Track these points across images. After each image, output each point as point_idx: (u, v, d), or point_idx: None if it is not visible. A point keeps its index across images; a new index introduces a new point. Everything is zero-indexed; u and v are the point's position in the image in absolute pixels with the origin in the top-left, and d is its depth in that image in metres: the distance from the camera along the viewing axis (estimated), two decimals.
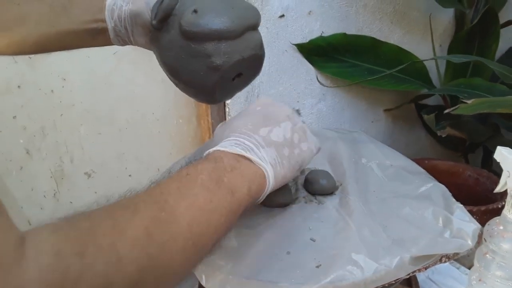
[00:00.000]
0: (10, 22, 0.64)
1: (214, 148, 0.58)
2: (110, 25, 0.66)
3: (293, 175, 0.62)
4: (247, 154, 0.56)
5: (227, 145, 0.58)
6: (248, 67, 0.67)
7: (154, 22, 0.63)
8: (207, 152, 0.58)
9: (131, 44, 0.71)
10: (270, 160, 0.58)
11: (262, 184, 0.57)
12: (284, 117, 0.64)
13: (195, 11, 0.62)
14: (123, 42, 0.70)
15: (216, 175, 0.53)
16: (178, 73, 0.67)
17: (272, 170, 0.58)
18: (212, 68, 0.63)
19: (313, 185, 0.73)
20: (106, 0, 0.65)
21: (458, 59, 1.27)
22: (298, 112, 0.68)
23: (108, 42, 0.69)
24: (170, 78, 0.71)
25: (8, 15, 0.64)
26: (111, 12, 0.65)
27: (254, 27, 0.66)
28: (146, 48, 0.71)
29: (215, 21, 0.61)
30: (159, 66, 0.71)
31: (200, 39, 0.62)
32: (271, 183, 0.58)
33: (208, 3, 0.63)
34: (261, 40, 0.68)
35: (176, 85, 0.71)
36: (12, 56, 1.13)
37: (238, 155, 0.56)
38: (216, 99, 0.69)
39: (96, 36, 0.67)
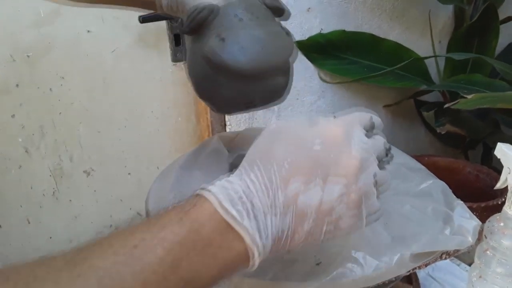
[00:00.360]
0: None
1: (209, 196, 0.42)
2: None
3: (304, 247, 0.45)
4: (240, 229, 0.40)
5: (226, 193, 0.42)
6: (262, 102, 0.65)
7: (186, 28, 0.62)
8: (196, 192, 0.44)
9: (179, 14, 0.67)
10: (276, 231, 0.42)
11: (240, 268, 0.43)
12: (345, 175, 0.43)
13: (222, 39, 0.59)
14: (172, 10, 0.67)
15: (174, 255, 0.38)
16: (194, 82, 0.65)
17: (269, 246, 0.42)
18: (222, 97, 0.62)
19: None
20: None
21: (459, 56, 1.27)
22: (385, 157, 0.49)
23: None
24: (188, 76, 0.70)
25: None
26: None
27: (279, 71, 0.63)
28: None
29: (236, 59, 0.58)
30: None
31: (217, 69, 0.60)
32: (255, 265, 0.43)
33: (242, 33, 0.59)
34: (284, 83, 0.65)
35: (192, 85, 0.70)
36: (11, 58, 1.12)
37: (229, 223, 0.40)
38: (227, 114, 0.69)
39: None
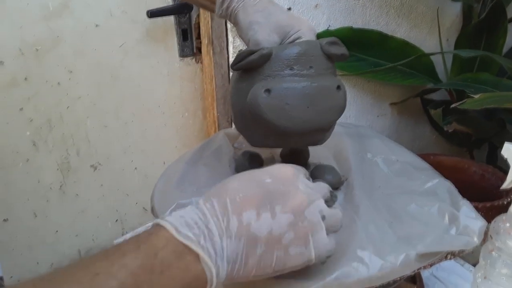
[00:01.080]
0: None
1: (164, 224, 0.44)
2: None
3: (260, 276, 0.47)
4: (197, 249, 0.42)
5: (183, 220, 0.44)
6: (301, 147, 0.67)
7: (233, 66, 0.61)
8: (152, 223, 0.46)
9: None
10: (231, 255, 0.44)
11: None
12: (293, 206, 0.46)
13: (268, 91, 0.56)
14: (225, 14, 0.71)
15: (135, 279, 0.40)
16: (233, 114, 0.66)
17: (225, 269, 0.44)
18: (260, 140, 0.63)
19: (318, 180, 0.72)
20: None
21: (466, 53, 1.26)
22: (330, 199, 0.51)
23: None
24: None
25: None
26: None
27: (323, 130, 0.62)
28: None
29: (279, 117, 0.56)
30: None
31: (259, 118, 0.58)
32: (213, 286, 0.44)
33: (289, 87, 0.57)
34: (323, 140, 0.65)
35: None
36: (20, 51, 1.13)
37: (185, 245, 0.42)
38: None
39: None
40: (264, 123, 0.57)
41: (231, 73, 1.27)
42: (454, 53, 1.44)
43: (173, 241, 0.42)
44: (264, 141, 0.63)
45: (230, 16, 0.70)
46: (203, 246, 0.43)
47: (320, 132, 0.62)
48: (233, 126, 1.34)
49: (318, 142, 0.64)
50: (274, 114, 0.56)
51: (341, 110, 0.61)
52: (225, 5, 0.69)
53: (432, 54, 1.41)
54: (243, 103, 0.60)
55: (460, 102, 1.06)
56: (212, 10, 0.73)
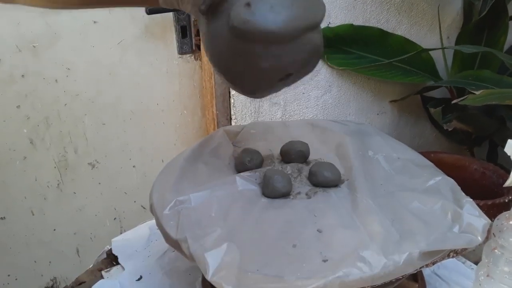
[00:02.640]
0: None
1: None
2: None
3: None
4: None
5: None
6: (300, 68, 0.59)
7: (202, 6, 0.56)
8: None
9: (178, 7, 0.62)
10: None
11: None
12: None
13: (248, 4, 0.53)
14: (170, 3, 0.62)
15: None
16: (220, 66, 0.59)
17: None
18: (258, 70, 0.56)
19: (317, 177, 0.72)
20: None
21: (468, 49, 1.26)
22: None
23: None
24: (211, 63, 0.64)
25: None
26: None
27: (314, 27, 0.57)
28: (193, 16, 0.64)
29: (268, 20, 0.53)
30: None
31: (249, 39, 0.54)
32: None
33: None
34: (320, 41, 0.59)
35: (216, 72, 0.64)
36: (17, 48, 1.12)
37: None
38: (257, 96, 0.61)
39: None
40: (255, 36, 0.54)
41: None
42: (456, 48, 1.43)
43: None
44: (263, 76, 0.58)
45: None
46: None
47: (312, 32, 0.57)
48: (233, 123, 1.34)
49: (318, 47, 0.59)
50: (262, 20, 0.53)
51: (323, 5, 0.58)
52: None
53: (434, 49, 1.40)
54: (227, 39, 0.56)
55: (462, 98, 1.05)
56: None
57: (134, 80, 1.30)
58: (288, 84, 0.61)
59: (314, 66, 0.60)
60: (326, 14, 0.61)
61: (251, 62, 0.55)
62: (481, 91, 1.04)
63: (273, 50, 0.54)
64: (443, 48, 1.42)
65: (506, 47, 1.45)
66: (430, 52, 1.42)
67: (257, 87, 0.59)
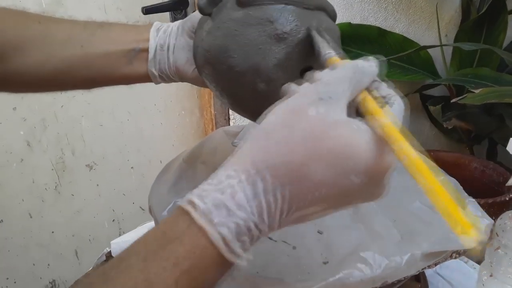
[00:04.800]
0: (28, 42, 0.55)
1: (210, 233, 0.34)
2: (153, 41, 0.56)
3: None
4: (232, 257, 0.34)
5: (234, 227, 0.34)
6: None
7: (202, 3, 0.51)
8: (177, 205, 0.36)
9: (170, 69, 0.58)
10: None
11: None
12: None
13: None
14: (160, 70, 0.58)
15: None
16: (226, 52, 0.49)
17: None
18: (275, 38, 0.47)
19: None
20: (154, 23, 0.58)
21: (468, 46, 1.25)
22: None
23: (142, 70, 0.58)
24: (214, 90, 0.55)
25: (26, 33, 0.56)
26: (157, 29, 0.57)
27: (325, 9, 0.52)
28: (188, 80, 0.60)
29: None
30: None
31: (261, 2, 0.48)
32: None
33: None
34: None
35: (221, 92, 0.54)
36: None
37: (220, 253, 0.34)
38: (276, 92, 0.43)
39: (132, 59, 0.57)
40: (263, 2, 0.49)
41: None
42: (455, 46, 1.43)
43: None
44: (271, 50, 0.48)
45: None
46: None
47: (325, 14, 0.52)
48: (231, 123, 1.33)
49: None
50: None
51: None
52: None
53: (432, 46, 1.40)
54: (229, 21, 0.50)
55: (461, 97, 1.05)
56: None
57: None
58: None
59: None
60: None
61: (266, 29, 0.48)
62: (480, 89, 1.04)
63: (290, 10, 0.48)
64: (441, 46, 1.42)
65: (505, 44, 1.44)
66: (428, 50, 1.42)
67: (273, 72, 0.48)
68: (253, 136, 0.36)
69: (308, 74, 0.39)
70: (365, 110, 0.37)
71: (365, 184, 0.36)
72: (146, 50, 0.57)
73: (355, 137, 0.34)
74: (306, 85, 0.37)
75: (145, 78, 0.59)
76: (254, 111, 0.49)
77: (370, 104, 0.36)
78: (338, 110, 0.35)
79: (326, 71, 0.38)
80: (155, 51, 0.57)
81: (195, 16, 0.56)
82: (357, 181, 0.35)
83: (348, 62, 0.40)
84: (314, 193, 0.34)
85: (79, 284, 0.35)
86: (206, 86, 0.57)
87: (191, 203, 0.35)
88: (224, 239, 0.33)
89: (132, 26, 0.59)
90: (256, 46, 0.47)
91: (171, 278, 0.33)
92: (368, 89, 0.38)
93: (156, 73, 0.58)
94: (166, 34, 0.57)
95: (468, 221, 0.30)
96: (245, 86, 0.50)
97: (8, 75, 0.55)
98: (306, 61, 0.49)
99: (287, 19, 0.47)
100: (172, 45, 0.57)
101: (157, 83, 0.60)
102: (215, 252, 0.34)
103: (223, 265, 0.35)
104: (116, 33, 0.57)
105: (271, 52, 0.47)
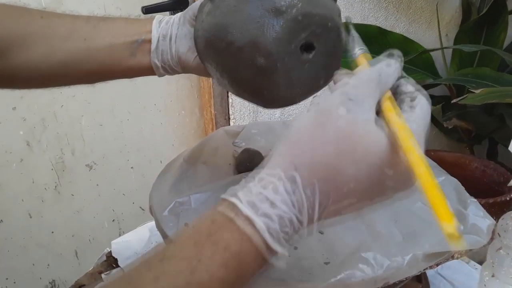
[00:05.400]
0: (30, 37, 0.56)
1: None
2: (155, 31, 0.57)
3: None
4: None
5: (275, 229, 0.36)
6: (321, 36, 0.49)
7: None
8: (219, 205, 0.38)
9: (172, 59, 0.58)
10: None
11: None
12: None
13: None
14: (163, 61, 0.58)
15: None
16: (225, 28, 0.49)
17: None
18: (273, 11, 0.47)
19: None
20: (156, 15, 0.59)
21: (468, 48, 1.25)
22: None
23: (145, 61, 0.58)
24: (208, 66, 0.54)
25: (29, 28, 0.56)
26: (160, 20, 0.58)
27: None
28: (191, 70, 0.59)
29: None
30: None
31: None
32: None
33: None
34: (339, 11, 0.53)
35: (222, 72, 0.53)
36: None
37: (263, 244, 0.36)
38: (275, 67, 0.48)
39: (135, 51, 0.57)
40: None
41: None
42: (456, 48, 1.43)
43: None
44: (269, 25, 0.48)
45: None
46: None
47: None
48: (232, 123, 1.33)
49: (337, 14, 0.52)
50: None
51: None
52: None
53: (434, 50, 1.40)
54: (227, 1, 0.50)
55: (461, 97, 1.04)
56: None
57: (130, 81, 1.28)
58: (313, 75, 0.53)
59: (337, 38, 0.53)
60: None
61: (265, 3, 0.48)
62: (481, 89, 1.04)
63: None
64: (442, 49, 1.42)
65: (506, 43, 1.44)
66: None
67: (273, 51, 0.48)
68: (288, 137, 0.38)
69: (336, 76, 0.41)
70: (382, 115, 0.39)
71: (398, 174, 0.38)
72: (148, 41, 0.57)
73: (383, 134, 0.37)
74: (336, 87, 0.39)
75: (149, 70, 0.59)
76: (253, 90, 0.51)
77: (387, 113, 0.39)
78: (366, 109, 0.37)
79: (353, 76, 0.40)
80: (158, 41, 0.57)
81: (196, 4, 0.56)
82: (389, 173, 0.37)
83: (374, 62, 0.43)
84: (348, 186, 0.37)
85: (129, 266, 0.35)
86: (208, 75, 0.58)
87: (236, 196, 0.37)
88: (268, 229, 0.36)
89: (135, 20, 0.59)
90: (254, 20, 0.47)
91: (221, 260, 0.35)
92: (393, 89, 0.41)
93: (159, 64, 0.58)
94: (168, 25, 0.57)
95: (450, 211, 0.32)
96: (244, 62, 0.49)
97: (12, 71, 0.56)
98: (307, 32, 0.49)
99: None
100: (174, 35, 0.57)
101: (160, 75, 0.60)
102: (260, 240, 0.36)
103: (263, 259, 0.37)
104: (118, 26, 0.58)
105: (270, 26, 0.47)
